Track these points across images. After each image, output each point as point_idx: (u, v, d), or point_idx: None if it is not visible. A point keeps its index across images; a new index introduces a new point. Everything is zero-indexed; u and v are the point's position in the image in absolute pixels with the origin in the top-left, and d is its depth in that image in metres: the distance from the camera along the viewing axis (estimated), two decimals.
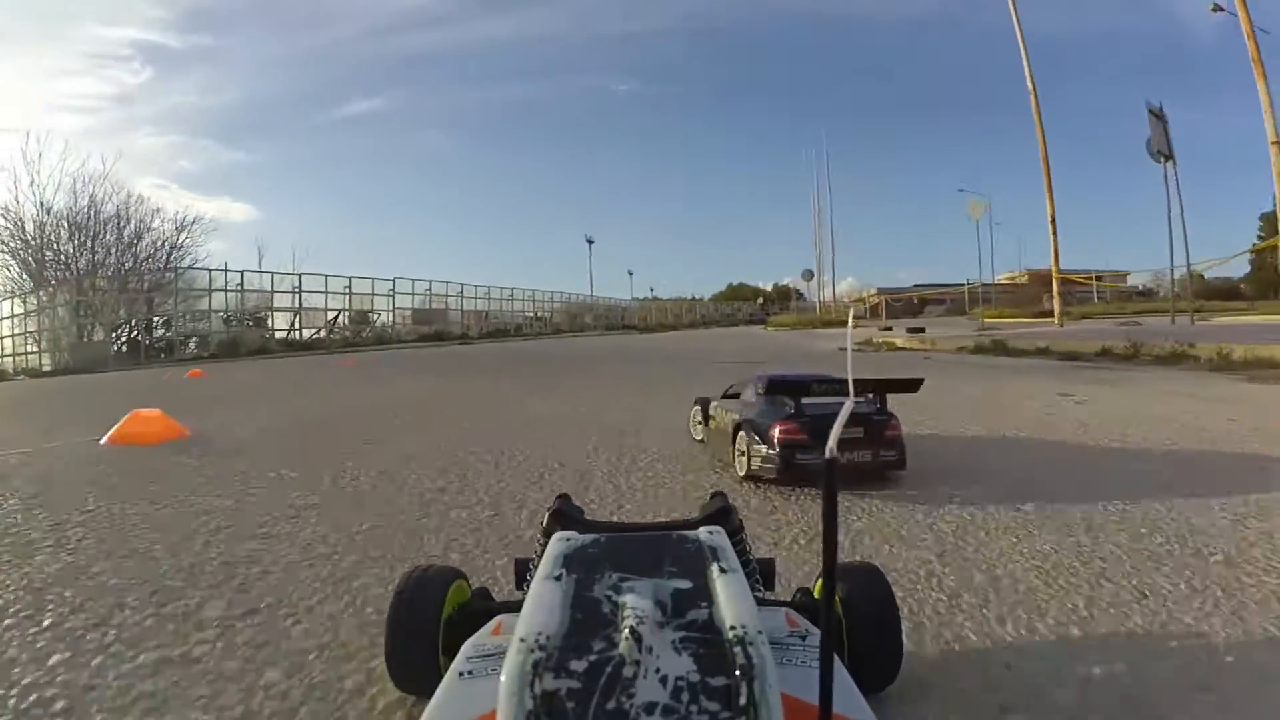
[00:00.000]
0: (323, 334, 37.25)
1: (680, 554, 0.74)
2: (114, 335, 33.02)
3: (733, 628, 0.56)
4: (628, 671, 0.52)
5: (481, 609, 1.07)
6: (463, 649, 0.80)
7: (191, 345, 32.93)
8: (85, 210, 35.61)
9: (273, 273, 36.55)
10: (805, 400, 2.62)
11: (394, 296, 40.52)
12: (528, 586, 0.91)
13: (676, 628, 0.58)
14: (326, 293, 37.72)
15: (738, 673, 0.52)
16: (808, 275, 48.83)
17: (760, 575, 1.09)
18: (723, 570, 0.69)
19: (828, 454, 0.49)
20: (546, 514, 1.07)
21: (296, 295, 36.82)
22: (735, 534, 1.02)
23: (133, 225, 36.62)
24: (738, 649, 0.53)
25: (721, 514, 1.04)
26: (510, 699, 0.50)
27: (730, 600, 0.61)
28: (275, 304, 36.38)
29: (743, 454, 2.72)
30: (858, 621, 1.01)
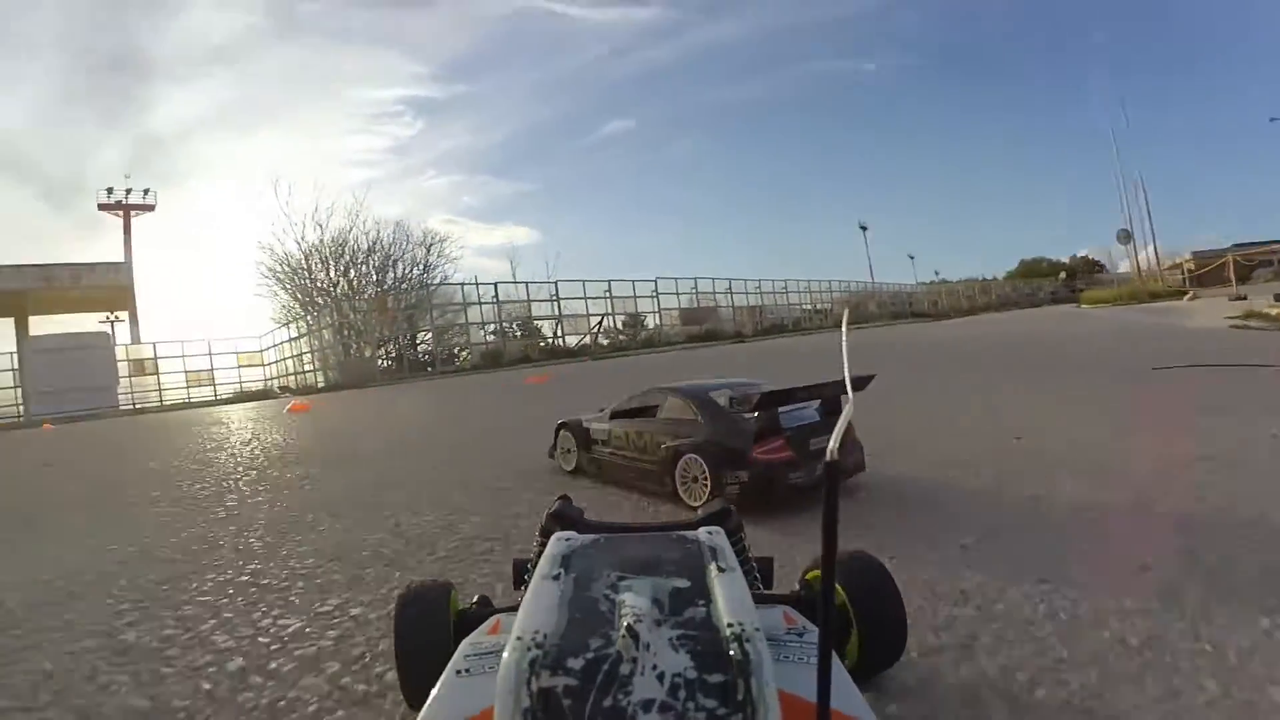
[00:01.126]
0: (587, 340, 32.58)
1: (679, 553, 0.74)
2: (379, 352, 31.43)
3: (730, 625, 0.56)
4: (625, 669, 0.52)
5: (481, 613, 1.02)
6: (460, 647, 0.77)
7: (459, 357, 30.13)
8: (337, 242, 35.67)
9: (527, 282, 32.47)
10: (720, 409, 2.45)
11: (658, 297, 34.63)
12: (526, 586, 0.86)
13: (674, 625, 0.57)
14: (585, 298, 32.87)
15: (735, 669, 0.51)
16: (1124, 236, 36.23)
17: (759, 574, 1.07)
18: (721, 569, 0.68)
19: (829, 455, 0.46)
20: (545, 515, 1.06)
21: (554, 303, 32.38)
22: (734, 534, 1.00)
23: (382, 251, 35.95)
24: (735, 646, 0.53)
25: (721, 515, 1.04)
26: (507, 696, 0.50)
27: (728, 598, 0.61)
28: (534, 313, 32.30)
29: (695, 480, 2.39)
30: (861, 607, 0.98)
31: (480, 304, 30.86)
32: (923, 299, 52.12)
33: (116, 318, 35.11)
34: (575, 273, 46.90)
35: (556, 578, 0.68)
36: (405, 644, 1.02)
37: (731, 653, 0.53)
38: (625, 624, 0.56)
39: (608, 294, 33.31)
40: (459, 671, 0.71)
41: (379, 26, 77.94)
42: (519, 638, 0.54)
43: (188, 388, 31.86)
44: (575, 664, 0.52)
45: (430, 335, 31.33)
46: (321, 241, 35.35)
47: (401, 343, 31.40)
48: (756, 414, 2.29)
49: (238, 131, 38.59)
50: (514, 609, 0.85)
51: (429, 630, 0.99)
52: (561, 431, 3.32)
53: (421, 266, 35.94)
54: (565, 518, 1.04)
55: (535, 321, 32.57)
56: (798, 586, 1.11)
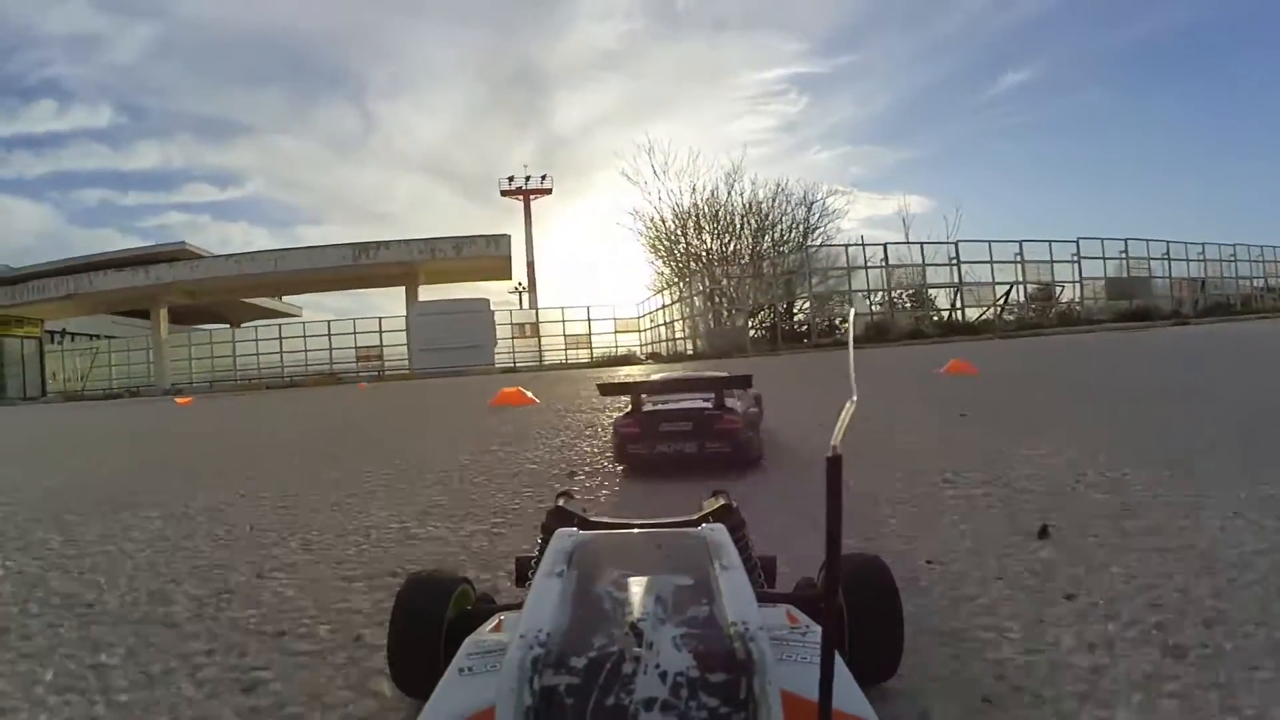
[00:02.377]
0: (990, 314, 27.55)
1: (681, 551, 0.75)
2: (752, 321, 29.34)
3: (733, 624, 0.56)
4: (627, 668, 0.52)
5: (482, 610, 0.99)
6: (463, 645, 0.76)
7: (840, 328, 26.98)
8: (712, 205, 34.41)
9: (922, 242, 28.00)
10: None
11: (1079, 263, 28.30)
12: (528, 584, 0.92)
13: (677, 624, 0.57)
14: (991, 262, 27.71)
15: (737, 668, 0.52)
16: None
17: (762, 572, 1.04)
18: (724, 567, 0.69)
19: (830, 452, 0.44)
20: (547, 512, 1.08)
21: (954, 268, 27.68)
22: (737, 531, 0.98)
23: (758, 212, 33.76)
24: (737, 645, 0.53)
25: (723, 511, 1.04)
26: (509, 694, 0.51)
27: (731, 597, 0.61)
28: (929, 279, 27.90)
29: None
30: (858, 613, 0.93)
31: (867, 268, 27.25)
32: None
33: (522, 286, 38.10)
34: (977, 234, 40.56)
35: (559, 575, 0.67)
36: (399, 634, 0.95)
37: (734, 651, 0.52)
38: (628, 622, 0.56)
39: (1018, 258, 27.81)
40: (461, 670, 0.69)
41: (755, 9, 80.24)
42: (522, 635, 0.54)
43: (565, 350, 33.13)
44: (578, 662, 0.52)
45: (808, 303, 28.47)
46: (695, 205, 34.54)
47: (776, 311, 28.91)
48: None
49: (629, 126, 42.18)
50: (516, 607, 0.86)
51: (423, 623, 0.93)
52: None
53: (802, 228, 33.26)
54: (567, 515, 1.04)
55: (930, 290, 28.10)
56: (799, 584, 1.05)
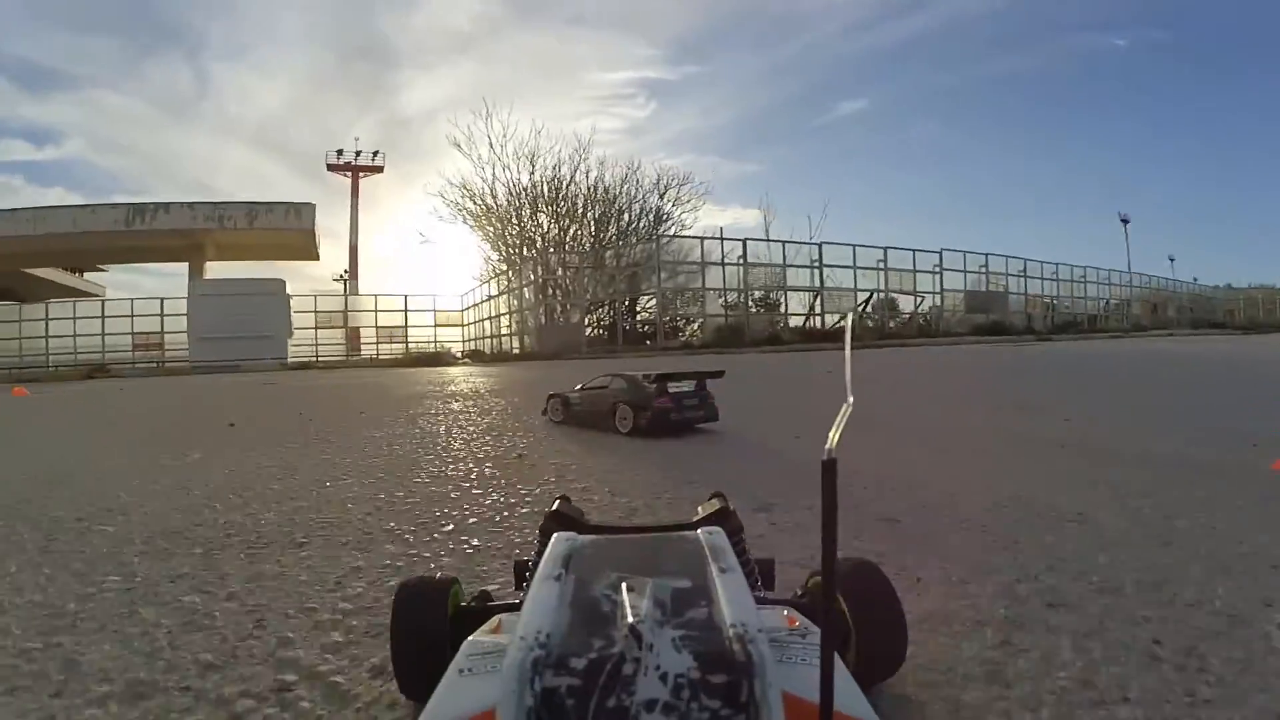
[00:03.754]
0: (848, 320, 25.25)
1: (679, 554, 0.75)
2: (589, 319, 25.41)
3: (732, 626, 0.56)
4: (628, 669, 0.52)
5: (481, 610, 1.04)
6: (463, 647, 0.77)
7: (686, 330, 23.64)
8: (552, 185, 30.19)
9: (784, 241, 25.25)
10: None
11: (941, 274, 26.58)
12: (527, 587, 0.91)
13: (676, 626, 0.58)
14: (855, 268, 25.36)
15: (738, 670, 0.52)
16: None
17: (760, 575, 1.07)
18: (722, 570, 0.69)
19: (825, 455, 0.45)
20: (545, 515, 1.07)
21: (815, 271, 25.10)
22: (734, 535, 1.00)
23: (604, 198, 30.23)
24: (737, 647, 0.53)
25: (720, 515, 1.05)
26: (511, 696, 0.51)
27: (729, 599, 0.62)
28: (790, 281, 25.12)
29: (624, 418, 3.89)
30: (860, 618, 0.98)
31: (723, 265, 24.13)
32: (1218, 306, 40.90)
33: (345, 274, 32.67)
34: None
35: (558, 578, 0.68)
36: (402, 637, 1.00)
37: (734, 653, 0.53)
38: (628, 624, 0.56)
39: (883, 264, 25.64)
40: (462, 671, 0.70)
41: (611, 9, 78.02)
42: (522, 637, 0.55)
43: (377, 344, 27.82)
44: (578, 664, 0.52)
45: (654, 301, 24.92)
46: (535, 184, 30.05)
47: (618, 308, 25.15)
48: (655, 384, 3.82)
49: (476, 115, 36.08)
50: (515, 608, 0.87)
51: (428, 625, 0.97)
52: (552, 399, 4.60)
53: (652, 215, 29.81)
54: (565, 518, 1.05)
55: (787, 292, 25.33)
56: (799, 592, 1.08)
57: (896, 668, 0.99)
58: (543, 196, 29.69)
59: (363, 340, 28.51)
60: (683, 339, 23.83)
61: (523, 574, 1.07)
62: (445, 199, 32.69)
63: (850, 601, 0.96)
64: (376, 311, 28.54)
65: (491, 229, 30.95)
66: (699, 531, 0.83)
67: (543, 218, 29.84)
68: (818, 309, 25.27)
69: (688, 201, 30.32)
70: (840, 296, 25.34)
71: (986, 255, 28.11)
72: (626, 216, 29.60)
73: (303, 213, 30.76)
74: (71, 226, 27.89)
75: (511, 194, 30.14)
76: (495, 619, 0.87)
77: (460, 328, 30.86)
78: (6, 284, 30.43)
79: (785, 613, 0.85)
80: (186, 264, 30.99)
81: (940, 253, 26.68)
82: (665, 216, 29.73)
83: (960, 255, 27.24)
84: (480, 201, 30.67)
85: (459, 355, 25.17)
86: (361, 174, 38.75)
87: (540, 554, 0.86)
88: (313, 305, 27.83)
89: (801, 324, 25.22)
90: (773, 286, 25.24)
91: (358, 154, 38.94)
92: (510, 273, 27.68)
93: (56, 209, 29.13)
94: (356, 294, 30.23)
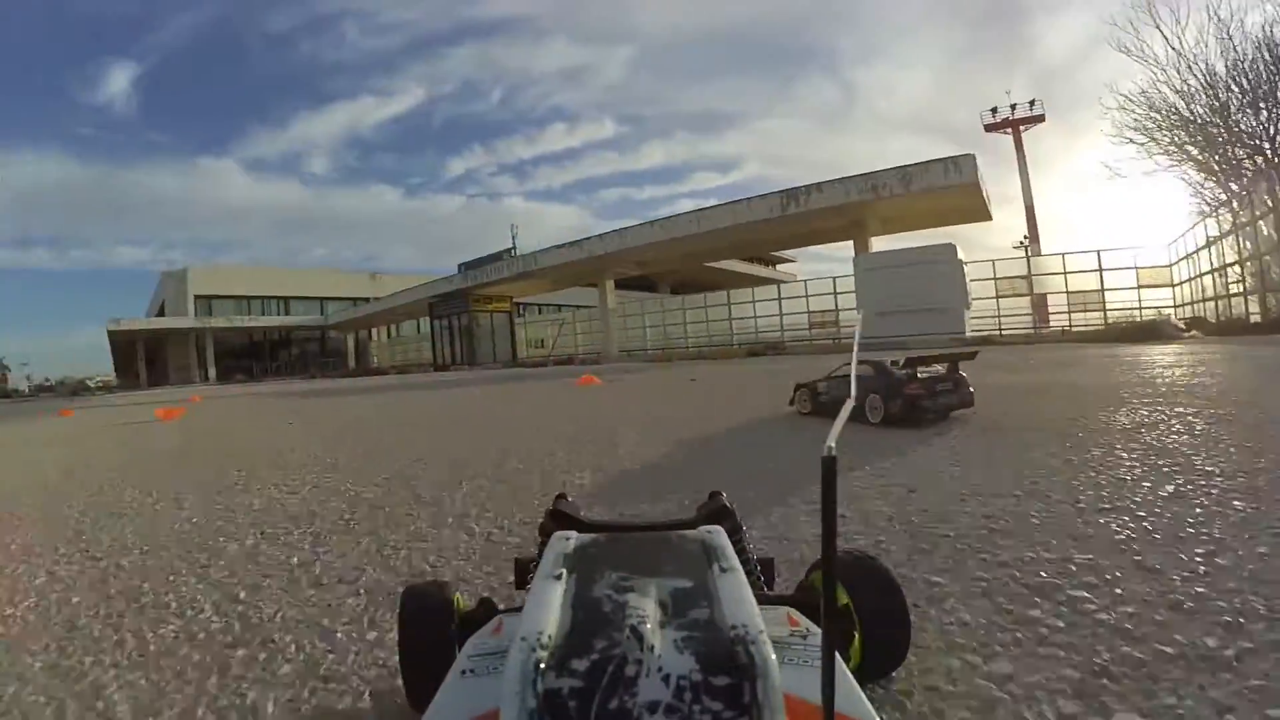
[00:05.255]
0: None
1: (680, 553, 0.75)
2: None
3: (734, 627, 0.56)
4: (630, 670, 0.52)
5: (483, 613, 1.05)
6: (464, 648, 0.79)
7: None
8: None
9: None
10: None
11: None
12: (528, 586, 0.91)
13: (678, 627, 0.57)
14: None
15: (740, 672, 0.52)
16: None
17: (761, 574, 1.08)
18: (723, 570, 0.69)
19: (825, 452, 0.46)
20: (544, 513, 1.07)
21: None
22: (734, 533, 1.01)
23: None
24: (739, 648, 0.53)
25: (720, 513, 1.05)
26: (513, 697, 0.51)
27: (731, 599, 0.61)
28: None
29: (875, 408, 3.90)
30: (865, 612, 1.00)
31: None
32: None
33: (1025, 240, 31.45)
34: None
35: (559, 578, 0.67)
36: (411, 643, 1.03)
37: (736, 655, 0.53)
38: (629, 625, 0.56)
39: None
40: (463, 672, 0.72)
41: None
42: (523, 638, 0.54)
43: (1069, 312, 24.25)
44: (580, 665, 0.52)
45: None
46: (1232, 64, 21.01)
47: None
48: (906, 370, 3.82)
49: (1135, 12, 28.02)
50: (516, 610, 0.86)
51: (435, 630, 0.99)
52: (800, 389, 4.71)
53: None
54: (564, 516, 1.04)
55: None
56: (802, 581, 1.10)
57: (902, 658, 0.97)
58: (1250, 73, 20.12)
59: (1050, 309, 24.67)
60: None
61: (524, 573, 1.07)
62: (1127, 113, 25.55)
63: (853, 595, 0.94)
64: (1065, 274, 24.23)
65: (1193, 147, 22.98)
66: (700, 530, 0.81)
67: (1264, 112, 20.58)
68: None
69: None
70: None
71: None
72: None
73: (962, 165, 27.71)
74: (731, 220, 30.22)
75: (1208, 85, 21.38)
76: (496, 619, 0.86)
77: (1171, 288, 23.68)
78: (693, 277, 36.73)
79: (787, 612, 0.84)
80: (851, 242, 31.63)
81: None
82: None
83: None
84: (1170, 115, 22.71)
85: (1181, 326, 17.92)
86: (1023, 126, 37.05)
87: (541, 552, 0.84)
88: (991, 271, 25.27)
89: None
90: None
91: (1013, 107, 37.41)
92: (1234, 203, 19.68)
93: (715, 208, 31.39)
94: (1039, 255, 26.59)
